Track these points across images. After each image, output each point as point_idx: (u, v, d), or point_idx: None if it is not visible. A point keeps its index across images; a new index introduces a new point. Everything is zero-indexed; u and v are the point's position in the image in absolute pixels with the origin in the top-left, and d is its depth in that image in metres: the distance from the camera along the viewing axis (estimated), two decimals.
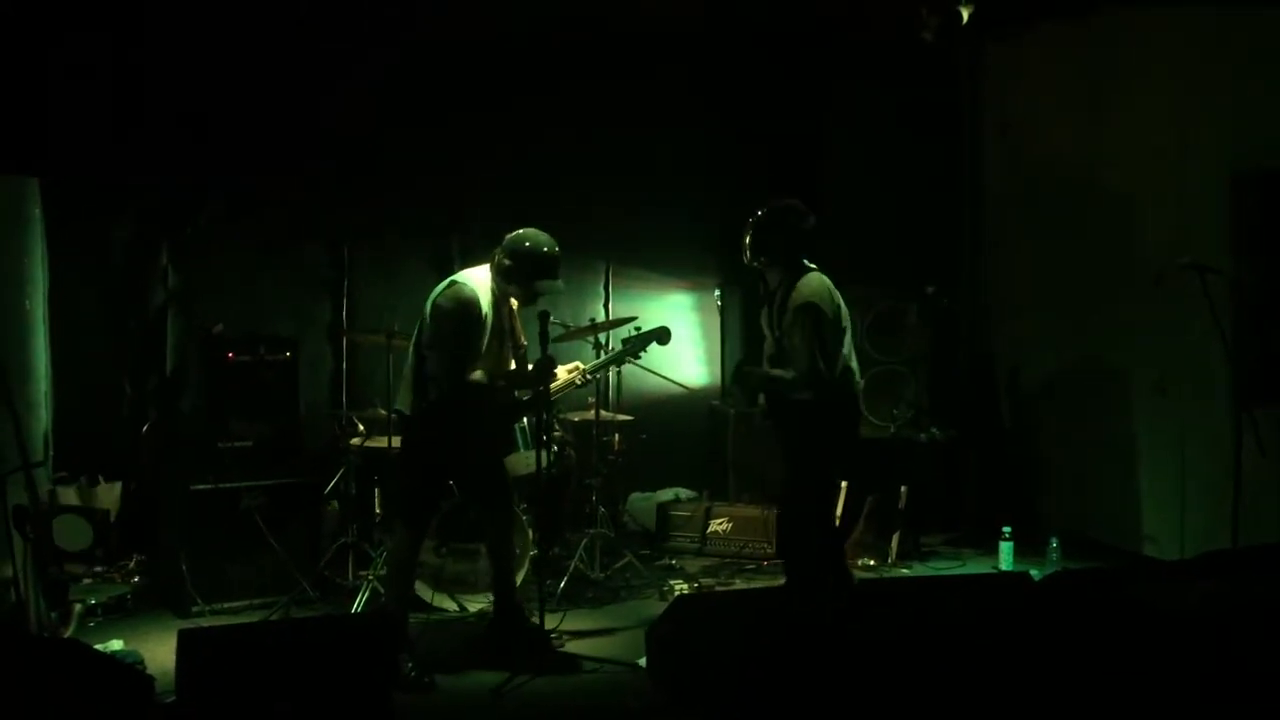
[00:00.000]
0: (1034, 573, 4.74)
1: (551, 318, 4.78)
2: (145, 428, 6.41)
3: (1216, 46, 6.13)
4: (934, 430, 6.81)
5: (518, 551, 5.47)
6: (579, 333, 6.19)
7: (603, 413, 6.42)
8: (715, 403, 7.75)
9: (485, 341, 4.65)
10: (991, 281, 7.88)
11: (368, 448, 5.80)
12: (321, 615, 5.31)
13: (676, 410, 7.48)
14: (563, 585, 5.75)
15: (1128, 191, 6.68)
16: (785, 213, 5.02)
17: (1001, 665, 3.62)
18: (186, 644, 3.36)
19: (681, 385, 6.97)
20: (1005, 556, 6.39)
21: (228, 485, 5.51)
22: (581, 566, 6.07)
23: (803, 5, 7.43)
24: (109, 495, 6.02)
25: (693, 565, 6.63)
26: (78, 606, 4.97)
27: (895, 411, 6.77)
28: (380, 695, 3.61)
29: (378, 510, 5.92)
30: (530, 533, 5.68)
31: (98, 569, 5.82)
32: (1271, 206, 5.92)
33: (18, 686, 3.11)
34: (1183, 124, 6.31)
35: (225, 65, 6.50)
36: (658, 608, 5.51)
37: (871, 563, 6.53)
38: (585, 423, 6.40)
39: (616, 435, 6.67)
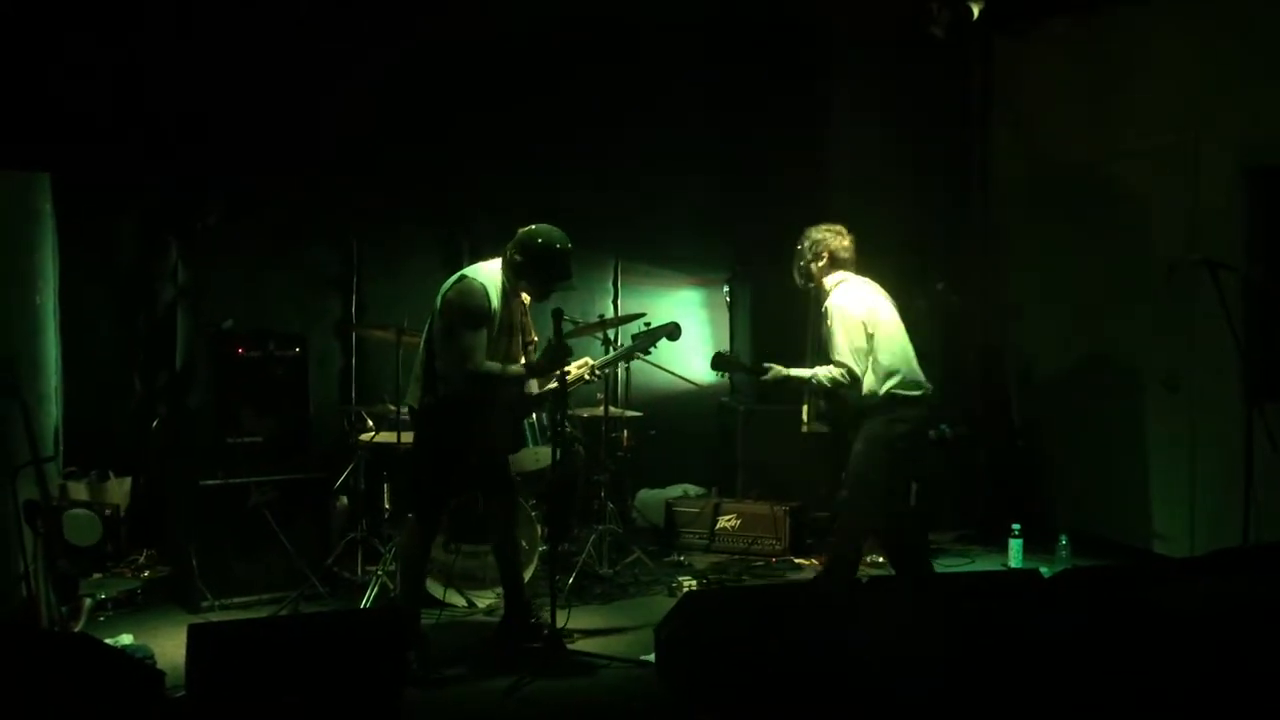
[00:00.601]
0: (1043, 570, 4.74)
1: (564, 315, 4.77)
2: (155, 423, 6.43)
3: (1228, 41, 6.10)
4: (944, 427, 6.80)
5: (526, 547, 5.48)
6: (588, 329, 6.18)
7: (611, 409, 6.42)
8: (724, 399, 7.74)
9: (495, 336, 4.64)
10: (1001, 278, 7.86)
11: (377, 443, 5.80)
12: (331, 611, 5.31)
13: (685, 406, 7.48)
14: (571, 581, 5.75)
15: (1139, 187, 6.66)
16: (825, 233, 5.26)
17: (1010, 662, 3.62)
18: (196, 639, 3.36)
19: (690, 381, 6.97)
20: (1015, 554, 6.38)
21: (237, 481, 5.52)
22: (590, 562, 6.07)
23: (808, 2, 7.42)
24: (119, 490, 6.03)
25: (701, 561, 6.63)
26: (88, 601, 4.98)
27: None
28: (390, 691, 3.61)
29: (387, 506, 5.93)
30: (539, 528, 5.69)
31: (108, 564, 5.83)
32: None
33: (28, 681, 3.11)
34: (1194, 119, 6.28)
35: (234, 63, 6.51)
36: (666, 604, 5.50)
37: (880, 560, 6.51)
38: (594, 419, 6.40)
39: (625, 431, 6.67)
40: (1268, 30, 5.90)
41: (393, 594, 5.19)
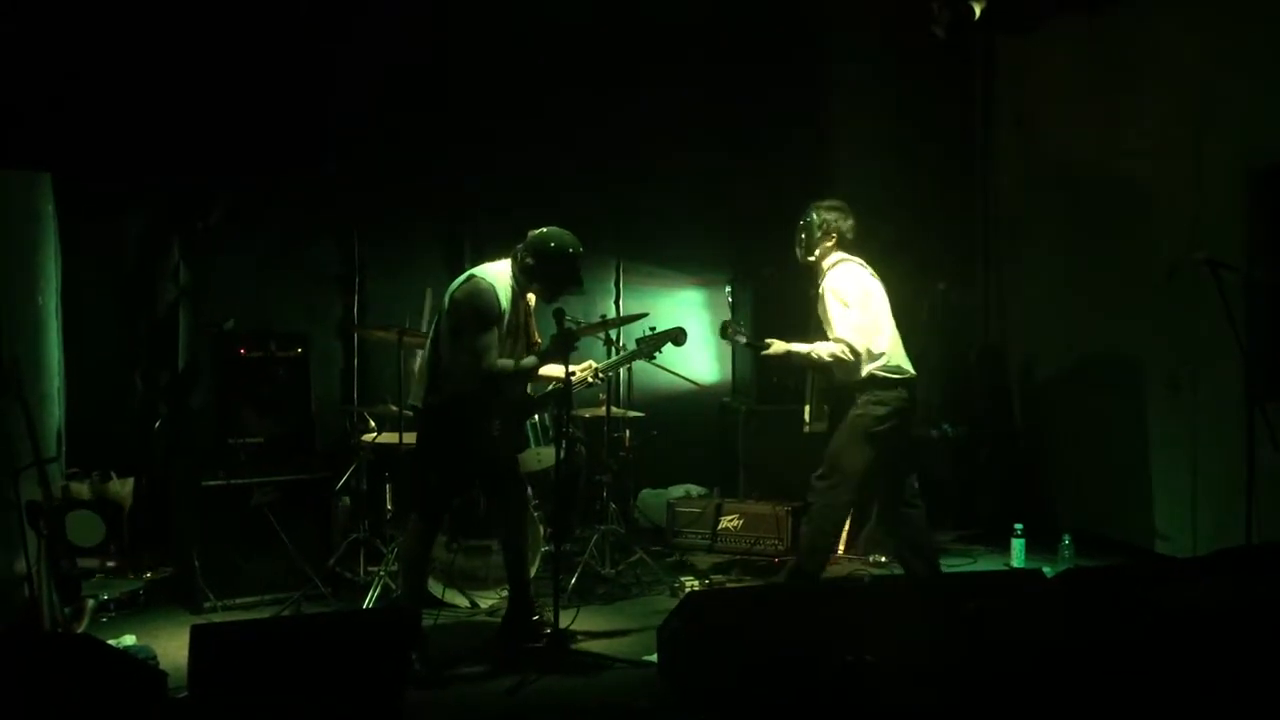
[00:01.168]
0: (1046, 570, 4.74)
1: (567, 316, 4.78)
2: (157, 424, 6.43)
3: (1231, 40, 6.09)
4: (946, 427, 6.80)
5: (530, 546, 5.47)
6: (590, 330, 6.18)
7: (614, 409, 6.42)
8: (726, 399, 7.74)
9: (502, 336, 4.65)
10: (1004, 278, 7.86)
11: (379, 443, 5.80)
12: (333, 611, 5.31)
13: (687, 407, 7.47)
14: (574, 581, 5.75)
15: (1142, 187, 6.65)
16: (826, 211, 5.29)
17: (1013, 661, 3.62)
18: (199, 639, 3.37)
19: (692, 382, 6.96)
20: (1017, 554, 6.38)
21: (239, 481, 5.52)
22: (592, 563, 6.07)
23: (811, 2, 7.42)
24: (121, 491, 6.03)
25: (703, 562, 6.63)
26: (90, 602, 4.97)
27: None
28: (392, 691, 3.61)
29: (389, 506, 5.93)
30: (541, 528, 5.69)
31: (110, 564, 5.84)
32: None
33: (32, 681, 3.12)
34: (1198, 118, 6.27)
35: (236, 62, 6.51)
36: (669, 604, 5.50)
37: (883, 559, 6.51)
38: (596, 419, 6.40)
39: (627, 432, 6.67)
40: (1271, 29, 5.88)
41: (395, 594, 5.19)
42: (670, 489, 7.44)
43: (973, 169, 8.02)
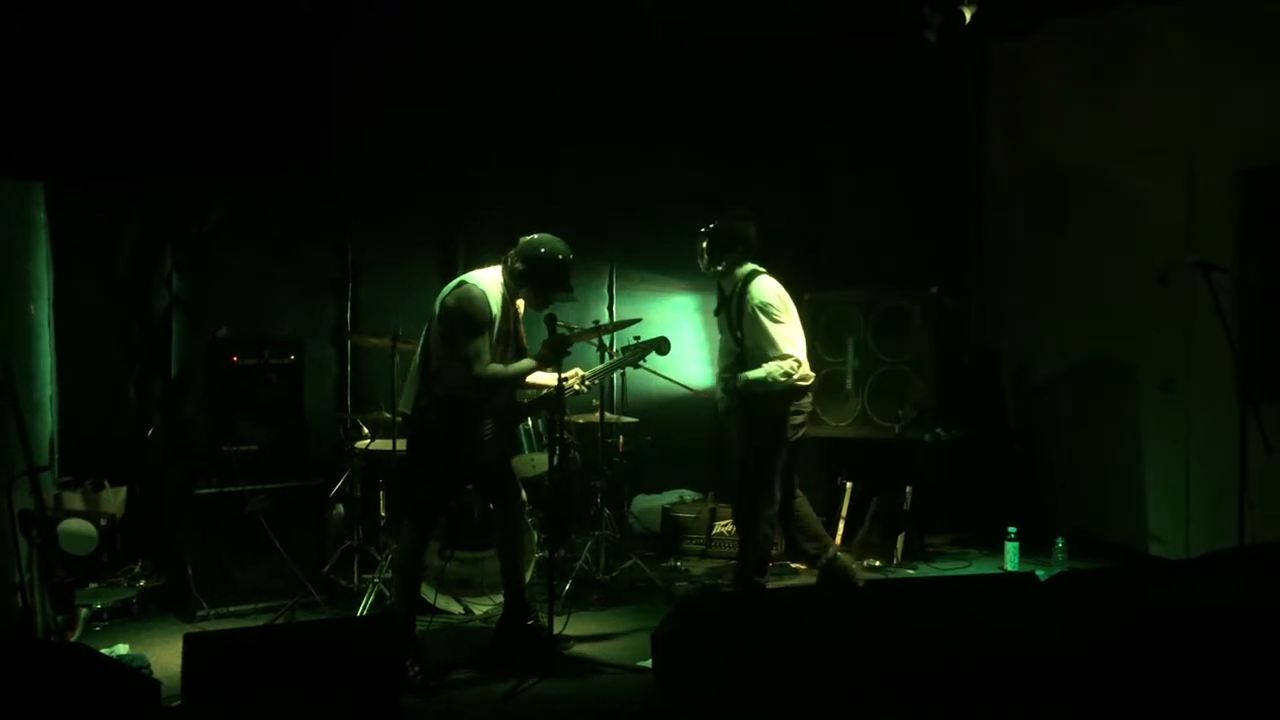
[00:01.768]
0: (1040, 573, 4.74)
1: (558, 322, 4.78)
2: (150, 432, 6.41)
3: (1223, 43, 6.12)
4: (939, 430, 6.80)
5: (525, 553, 5.46)
6: (583, 335, 6.19)
7: (607, 415, 6.42)
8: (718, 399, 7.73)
9: (493, 343, 4.65)
10: (996, 280, 7.88)
11: (372, 451, 5.80)
12: (327, 618, 5.30)
13: (681, 412, 7.46)
14: (568, 587, 5.75)
15: (1134, 189, 6.67)
16: (736, 221, 5.39)
17: (1006, 664, 3.62)
18: (192, 648, 3.36)
19: (686, 387, 6.96)
20: (1011, 557, 6.38)
21: (233, 489, 5.51)
22: (587, 568, 6.07)
23: (805, 4, 7.43)
24: (114, 499, 6.02)
25: (698, 567, 6.63)
26: (83, 611, 4.97)
27: (900, 411, 6.76)
28: (387, 698, 3.61)
29: (383, 513, 5.92)
30: (536, 534, 5.68)
31: (103, 573, 5.82)
32: (1278, 203, 5.91)
33: (25, 691, 3.11)
34: (1189, 121, 6.30)
35: (230, 68, 6.51)
36: (663, 610, 5.50)
37: (877, 563, 6.52)
38: (590, 425, 6.40)
39: (621, 437, 6.67)
40: (1262, 32, 5.91)
41: (389, 601, 5.18)
42: (664, 494, 7.44)
43: (965, 172, 8.04)
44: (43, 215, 5.24)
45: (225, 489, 5.49)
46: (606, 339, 6.40)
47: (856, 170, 7.90)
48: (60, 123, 6.12)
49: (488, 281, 4.68)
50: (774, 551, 6.50)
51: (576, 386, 4.92)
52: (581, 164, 7.44)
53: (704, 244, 5.38)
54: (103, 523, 5.64)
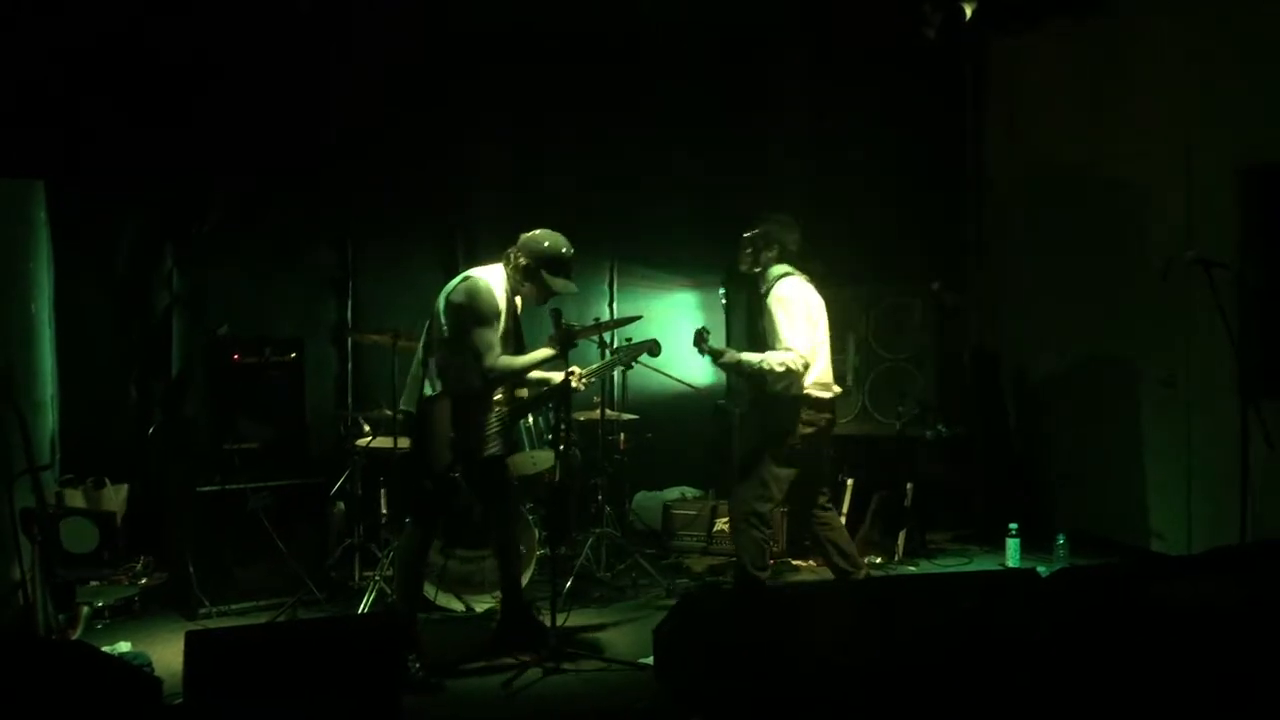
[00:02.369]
0: (1041, 569, 4.75)
1: (562, 317, 4.79)
2: (151, 430, 6.42)
3: (1221, 41, 6.11)
4: (940, 427, 6.80)
5: (524, 551, 5.47)
6: (585, 332, 6.18)
7: (608, 412, 6.42)
8: (721, 401, 7.74)
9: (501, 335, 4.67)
10: (997, 277, 7.87)
11: (373, 448, 5.80)
12: (328, 616, 5.31)
13: (682, 409, 7.48)
14: (569, 585, 5.75)
15: (1134, 186, 6.67)
16: (777, 225, 5.34)
17: (1009, 663, 3.62)
18: (194, 646, 3.36)
19: (686, 384, 6.97)
20: (1012, 553, 6.39)
21: (234, 487, 5.52)
22: (588, 566, 6.07)
23: (805, 3, 7.43)
24: (116, 497, 6.02)
25: (699, 564, 6.63)
26: (85, 609, 4.98)
27: (901, 409, 6.76)
28: (388, 696, 3.61)
29: (384, 510, 5.92)
30: (537, 532, 5.69)
31: (105, 571, 5.82)
32: (1278, 201, 5.91)
33: (26, 689, 3.11)
34: (1189, 118, 6.29)
35: (229, 67, 6.51)
36: (664, 606, 5.51)
37: (878, 560, 6.52)
38: (591, 422, 6.40)
39: (622, 434, 6.67)
40: (1260, 30, 5.91)
41: (390, 599, 5.19)
42: (665, 491, 7.44)
43: (965, 170, 8.04)
44: (43, 214, 5.24)
45: (226, 487, 5.50)
46: (607, 337, 6.40)
47: (857, 168, 7.89)
48: (61, 122, 6.13)
49: (492, 277, 4.70)
50: (775, 549, 6.53)
51: (575, 384, 4.92)
52: (582, 162, 7.44)
53: (746, 248, 5.35)
54: (104, 521, 5.64)
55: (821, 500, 5.34)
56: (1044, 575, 4.20)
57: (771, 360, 5.07)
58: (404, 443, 5.16)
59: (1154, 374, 6.49)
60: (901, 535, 6.62)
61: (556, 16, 7.12)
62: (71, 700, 3.14)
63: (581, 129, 7.44)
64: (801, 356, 5.06)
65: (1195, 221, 6.21)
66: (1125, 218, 6.71)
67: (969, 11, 6.53)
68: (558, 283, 4.73)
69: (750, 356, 5.15)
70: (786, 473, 5.15)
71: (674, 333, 6.75)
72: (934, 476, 6.94)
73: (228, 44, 6.49)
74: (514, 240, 4.76)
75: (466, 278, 4.71)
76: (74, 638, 4.74)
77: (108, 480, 6.03)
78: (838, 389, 5.31)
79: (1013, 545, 6.39)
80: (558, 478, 4.95)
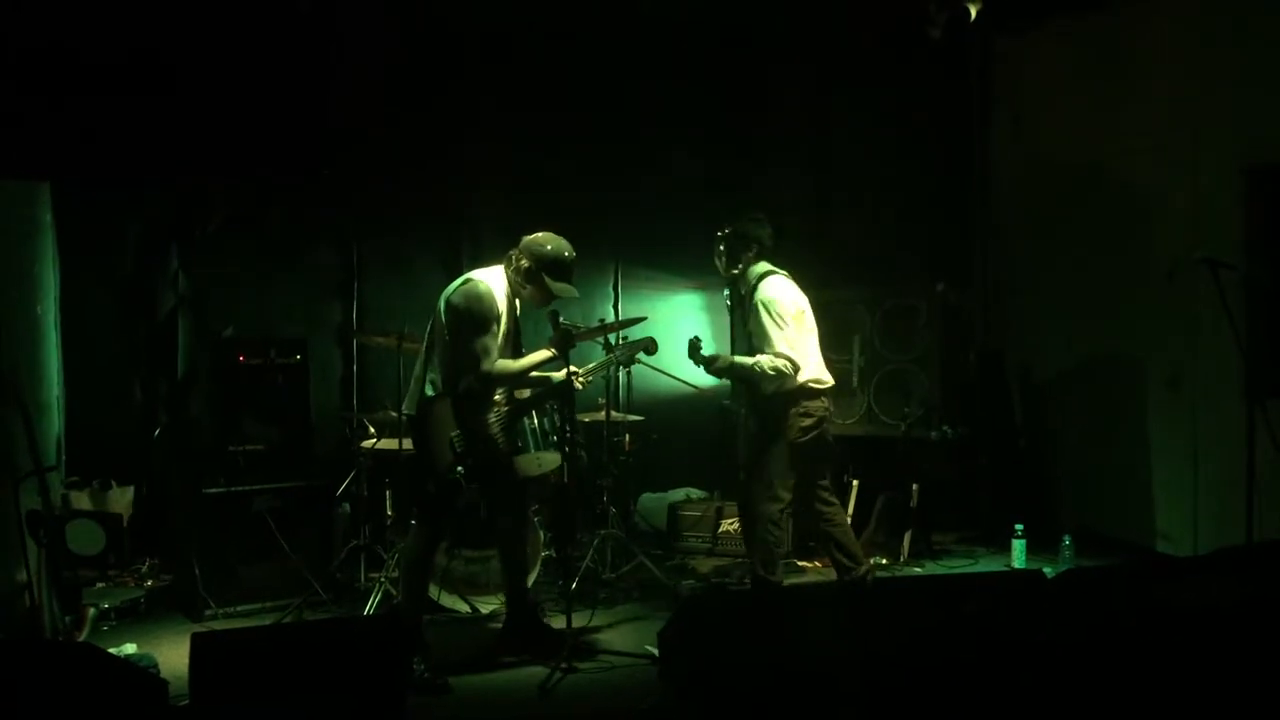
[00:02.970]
0: (1047, 570, 4.73)
1: (561, 318, 4.79)
2: (157, 432, 6.43)
3: (1227, 39, 6.10)
4: (945, 428, 6.79)
5: (530, 552, 5.46)
6: (589, 334, 6.18)
7: (613, 413, 6.42)
8: (726, 402, 7.72)
9: (500, 339, 4.66)
10: (1002, 278, 7.86)
11: (378, 450, 5.80)
12: (334, 617, 5.31)
13: (687, 410, 7.47)
14: (574, 586, 5.74)
15: (1140, 186, 6.66)
16: (751, 223, 5.37)
17: (1015, 664, 3.61)
18: (199, 647, 3.36)
19: (692, 385, 6.96)
20: (1018, 554, 6.38)
21: (239, 488, 5.52)
22: (594, 567, 6.07)
23: (807, 3, 7.43)
24: (121, 499, 6.04)
25: (704, 565, 6.62)
26: (91, 610, 4.98)
27: (906, 410, 6.75)
28: (394, 697, 3.61)
29: (389, 512, 5.92)
30: (541, 534, 5.68)
31: (111, 573, 5.83)
32: None
33: (33, 691, 3.11)
34: (1196, 117, 6.28)
35: (233, 68, 6.52)
36: (669, 608, 5.51)
37: (884, 562, 6.51)
38: (596, 423, 6.40)
39: (627, 435, 6.67)
40: (1266, 28, 5.90)
41: (396, 600, 5.19)
42: (670, 492, 7.43)
43: (970, 169, 8.02)
44: (49, 216, 5.25)
45: (232, 488, 5.51)
46: (611, 338, 6.39)
47: (861, 168, 7.89)
48: (65, 124, 6.14)
49: (492, 280, 4.69)
50: (781, 550, 6.52)
51: (574, 382, 4.92)
52: (585, 162, 7.44)
53: (720, 246, 5.39)
54: (110, 523, 5.66)
55: (824, 494, 5.35)
56: (1050, 576, 4.20)
57: (764, 363, 5.10)
58: (409, 444, 5.15)
59: (1160, 374, 6.47)
60: (907, 536, 6.61)
61: (557, 17, 7.12)
62: (78, 702, 3.14)
63: (584, 128, 7.43)
64: (791, 360, 5.09)
65: (1201, 221, 6.20)
66: (1130, 217, 6.69)
67: (974, 12, 6.52)
68: (558, 287, 4.71)
69: (743, 360, 5.18)
70: (792, 470, 5.16)
71: (679, 334, 6.73)
72: (939, 477, 6.93)
73: (229, 45, 6.49)
74: (517, 241, 4.75)
75: (467, 280, 4.70)
76: (80, 639, 4.74)
77: (113, 482, 6.05)
78: (830, 380, 5.33)
79: (1018, 546, 6.38)
80: (564, 479, 4.94)
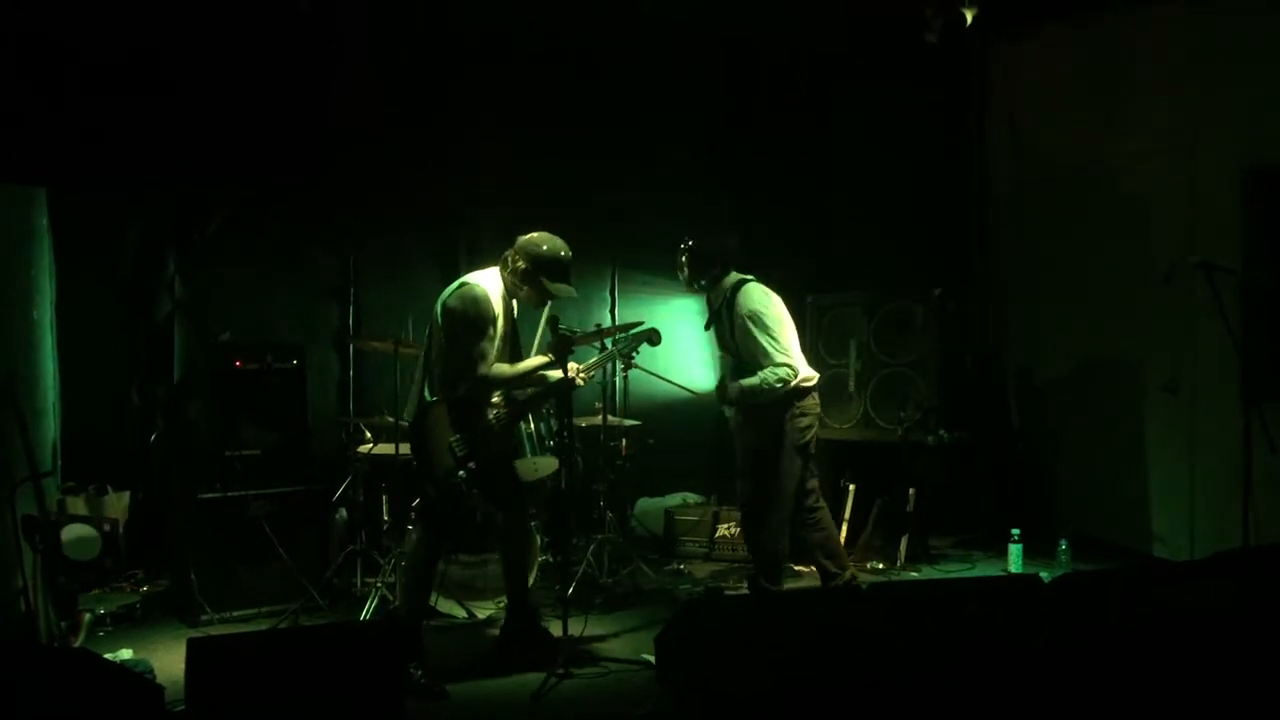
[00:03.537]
0: (1044, 575, 4.74)
1: (559, 323, 4.78)
2: (153, 437, 6.42)
3: (1225, 43, 6.12)
4: (942, 432, 6.79)
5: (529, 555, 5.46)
6: (586, 338, 6.18)
7: (610, 417, 6.42)
8: (722, 407, 7.73)
9: (495, 343, 4.65)
10: (999, 282, 7.87)
11: (375, 455, 5.80)
12: (330, 623, 5.30)
13: (683, 415, 7.47)
14: (571, 590, 5.73)
15: (1137, 190, 6.67)
16: (711, 239, 5.42)
17: (1011, 669, 3.61)
18: (196, 653, 3.35)
19: (688, 390, 6.96)
20: (1015, 559, 6.37)
21: (236, 493, 5.51)
22: (590, 572, 6.06)
23: (808, 6, 7.43)
24: (117, 504, 6.02)
25: (701, 570, 6.62)
26: (87, 616, 4.97)
27: (903, 414, 6.75)
28: (392, 703, 3.60)
29: (386, 517, 5.92)
30: (538, 538, 5.68)
31: (107, 578, 5.82)
32: None
33: (28, 697, 3.11)
34: (1192, 121, 6.29)
35: (230, 73, 6.52)
36: (667, 612, 5.51)
37: (880, 566, 6.51)
38: (593, 428, 6.40)
39: (624, 440, 6.66)
40: (1264, 33, 5.91)
41: (393, 605, 5.18)
42: (667, 497, 7.43)
43: (968, 173, 8.04)
44: (45, 221, 5.25)
45: (228, 493, 5.50)
46: (609, 342, 6.39)
47: (859, 172, 7.90)
48: (62, 128, 6.13)
49: (488, 283, 4.68)
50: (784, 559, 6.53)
51: (576, 379, 4.91)
52: (583, 165, 7.44)
53: (683, 259, 5.39)
54: (106, 528, 5.64)
55: (810, 499, 5.35)
56: (1047, 581, 4.20)
57: (769, 378, 5.10)
58: (405, 449, 5.15)
59: (1157, 379, 6.48)
60: (904, 541, 6.61)
61: (557, 18, 7.12)
62: (74, 707, 3.13)
63: (583, 131, 7.43)
64: (792, 367, 5.11)
65: (1198, 224, 6.21)
66: (1128, 220, 6.70)
67: (970, 17, 6.53)
68: (556, 287, 4.69)
69: (749, 382, 5.16)
70: (793, 473, 5.15)
71: (676, 338, 6.75)
72: (936, 482, 6.93)
73: (228, 46, 6.49)
74: (514, 244, 4.75)
75: (462, 284, 4.69)
76: (76, 645, 4.74)
77: (109, 487, 6.03)
78: (815, 374, 5.34)
79: (1015, 550, 6.38)
80: (561, 484, 4.94)
